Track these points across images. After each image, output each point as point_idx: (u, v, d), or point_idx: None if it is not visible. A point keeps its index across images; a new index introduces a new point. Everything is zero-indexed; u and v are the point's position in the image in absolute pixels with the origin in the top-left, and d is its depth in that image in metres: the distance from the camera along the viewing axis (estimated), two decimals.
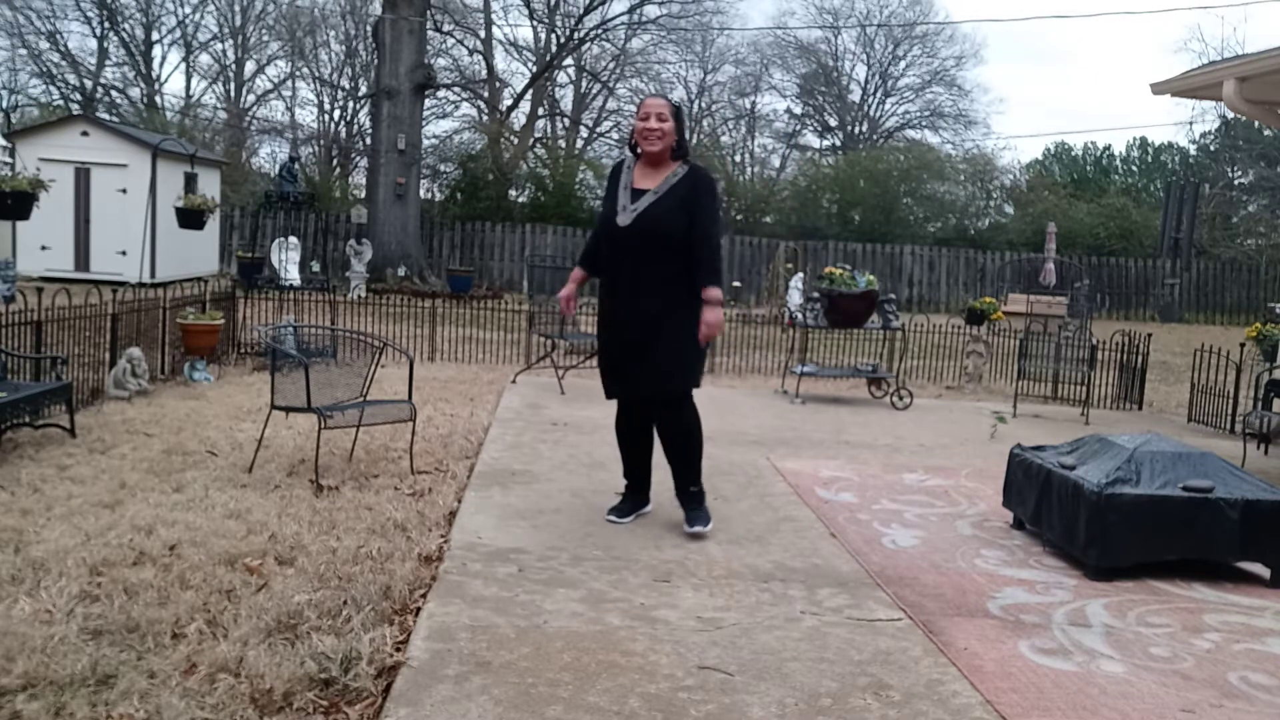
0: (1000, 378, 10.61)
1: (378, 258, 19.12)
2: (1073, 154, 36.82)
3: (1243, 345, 8.74)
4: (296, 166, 20.47)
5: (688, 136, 4.80)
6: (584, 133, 32.84)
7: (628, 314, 4.57)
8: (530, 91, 29.47)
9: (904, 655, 3.34)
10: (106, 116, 25.55)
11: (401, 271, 19.66)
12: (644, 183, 4.61)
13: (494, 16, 30.14)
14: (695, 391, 4.72)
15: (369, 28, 25.21)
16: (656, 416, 4.70)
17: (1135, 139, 36.29)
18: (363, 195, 24.69)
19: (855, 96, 36.18)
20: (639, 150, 4.63)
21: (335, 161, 31.97)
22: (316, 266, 18.29)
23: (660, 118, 4.53)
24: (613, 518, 4.76)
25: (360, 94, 30.50)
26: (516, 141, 28.53)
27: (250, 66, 32.74)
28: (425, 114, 24.69)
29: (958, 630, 3.58)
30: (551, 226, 23.37)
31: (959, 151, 32.36)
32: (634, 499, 4.88)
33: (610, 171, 4.86)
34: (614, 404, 4.88)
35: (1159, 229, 23.40)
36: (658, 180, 4.59)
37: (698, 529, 4.58)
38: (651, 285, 4.51)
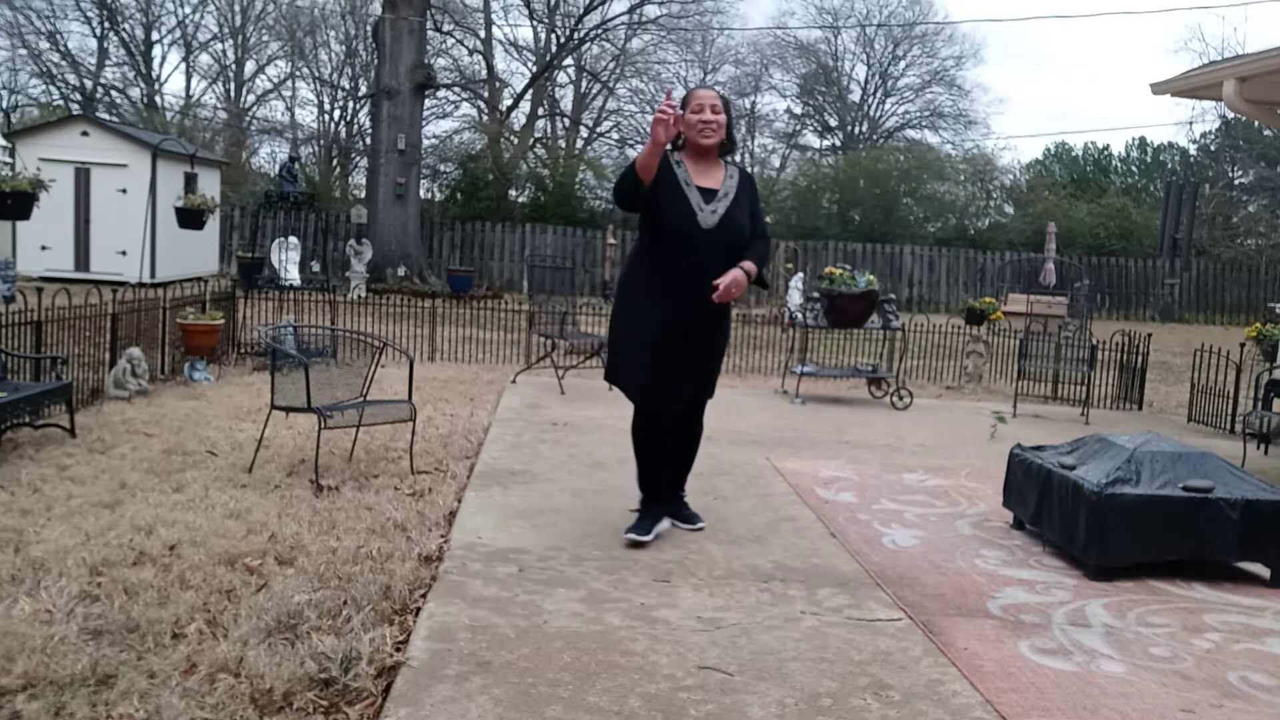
0: (1000, 378, 10.61)
1: (378, 258, 19.12)
2: (1073, 154, 36.82)
3: (1243, 345, 8.73)
4: (296, 166, 20.44)
5: (735, 130, 4.54)
6: (584, 133, 32.86)
7: (699, 317, 4.30)
8: (530, 91, 29.48)
9: (904, 655, 3.34)
10: (106, 116, 25.55)
11: (401, 271, 19.66)
12: (705, 181, 4.35)
13: (494, 16, 30.18)
14: None
15: (369, 28, 25.22)
16: (683, 423, 4.58)
17: (1135, 139, 36.33)
18: (363, 195, 24.69)
19: (855, 96, 36.19)
20: (682, 144, 4.40)
21: (335, 161, 31.97)
22: (316, 266, 18.27)
23: (715, 110, 4.34)
24: (635, 536, 4.36)
25: (360, 94, 30.51)
26: (516, 141, 28.54)
27: (250, 66, 32.80)
28: (425, 114, 24.70)
29: (958, 630, 3.58)
30: (551, 226, 23.38)
31: (959, 151, 32.39)
32: (656, 513, 4.56)
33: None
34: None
35: (1159, 229, 23.40)
36: (717, 180, 4.37)
37: (701, 524, 4.66)
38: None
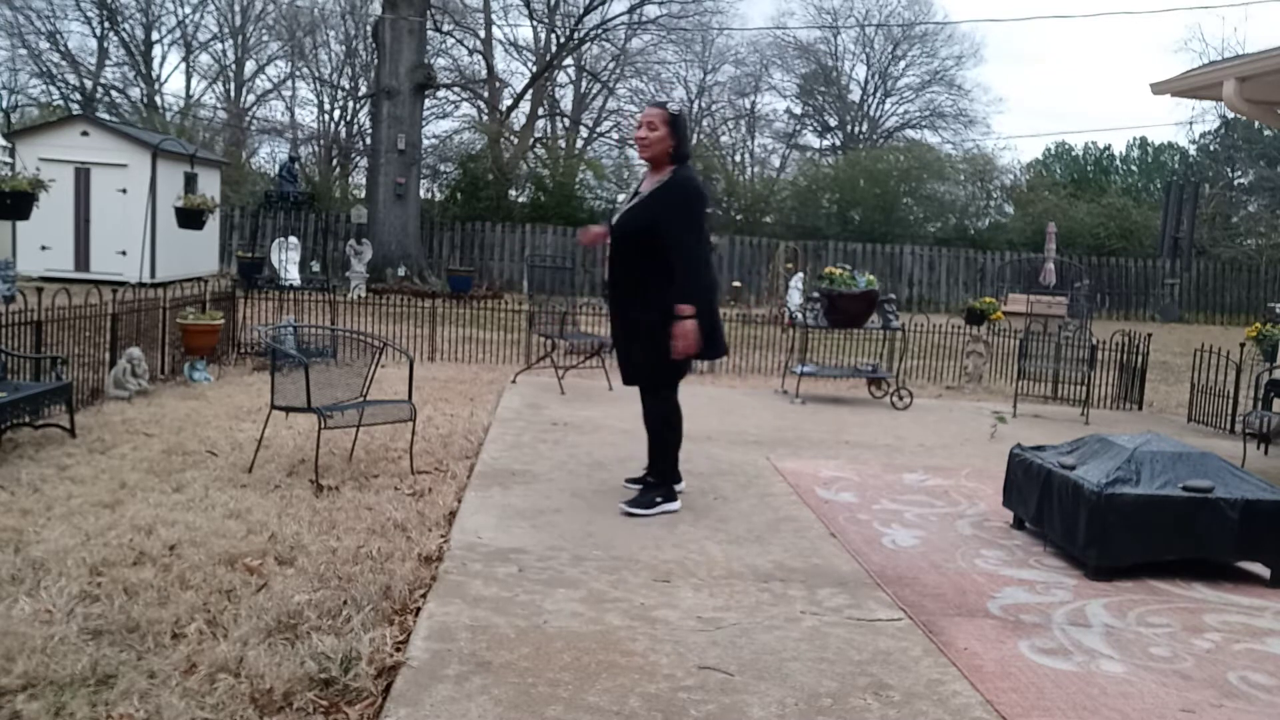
0: (1000, 378, 10.61)
1: (378, 258, 19.12)
2: (1073, 154, 36.84)
3: (1243, 345, 8.73)
4: (296, 166, 20.45)
5: (688, 141, 4.94)
6: (584, 133, 32.84)
7: (612, 309, 5.02)
8: (530, 91, 29.47)
9: (904, 655, 3.34)
10: (106, 116, 25.53)
11: (401, 271, 19.66)
12: (645, 187, 4.90)
13: (494, 16, 30.16)
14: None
15: (369, 28, 25.21)
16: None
17: (1135, 139, 36.34)
18: (363, 195, 24.69)
19: (855, 96, 36.19)
20: None
21: (335, 161, 31.96)
22: (316, 266, 18.28)
23: (650, 126, 4.77)
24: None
25: (360, 94, 30.50)
26: (516, 141, 28.53)
27: (250, 66, 32.79)
28: (425, 114, 24.69)
29: (958, 630, 3.58)
30: (551, 226, 23.38)
31: (959, 151, 32.36)
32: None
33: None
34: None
35: (1159, 229, 23.39)
36: (650, 185, 4.86)
37: (627, 508, 4.83)
38: (624, 285, 4.88)
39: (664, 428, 4.92)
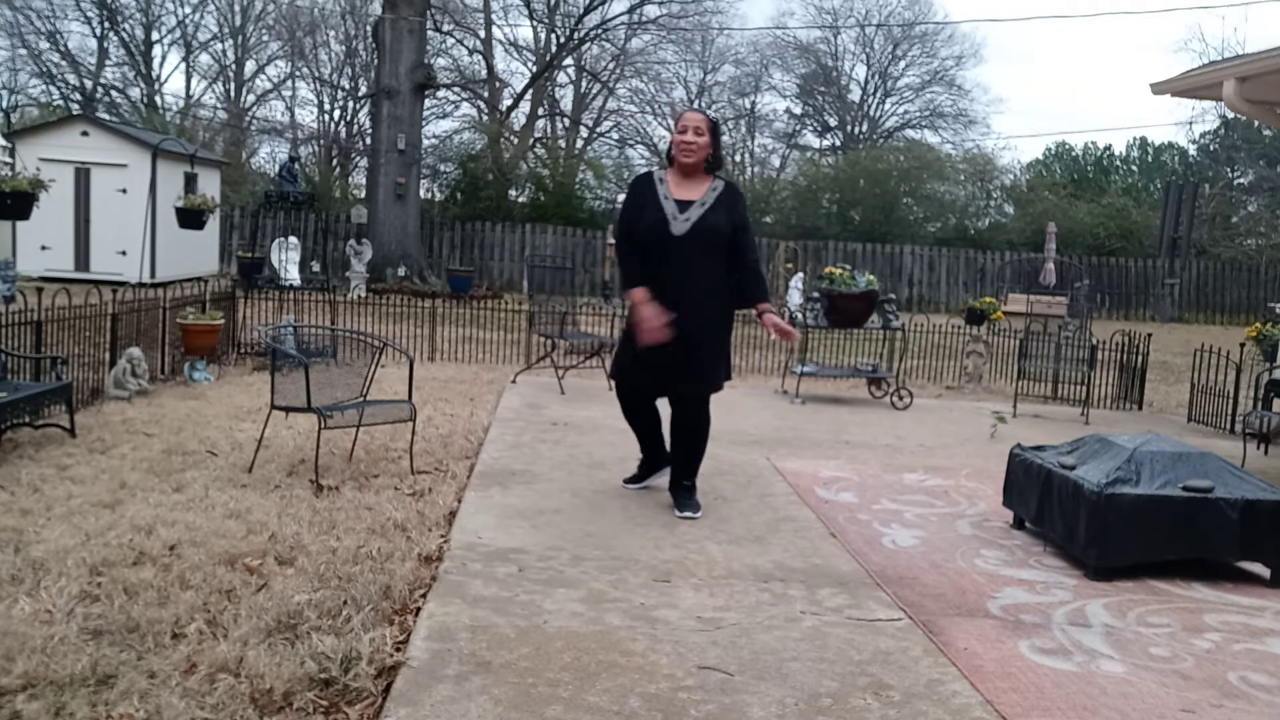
0: (1000, 378, 10.61)
1: (378, 258, 19.12)
2: (1073, 154, 36.85)
3: (1243, 345, 8.73)
4: (296, 166, 20.43)
5: (722, 150, 5.02)
6: (584, 133, 32.85)
7: (681, 317, 4.66)
8: (530, 91, 29.48)
9: (904, 655, 3.34)
10: (106, 116, 25.52)
11: (401, 271, 19.65)
12: (684, 194, 4.79)
13: (494, 16, 30.19)
14: None
15: (369, 28, 25.21)
16: (678, 410, 4.94)
17: (1135, 139, 36.36)
18: (363, 195, 24.69)
19: (855, 96, 36.19)
20: (673, 161, 4.84)
21: (335, 161, 31.95)
22: (316, 266, 18.26)
23: (697, 131, 4.77)
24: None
25: (360, 94, 30.50)
26: (516, 141, 28.53)
27: (250, 66, 32.80)
28: (425, 114, 24.69)
29: (958, 630, 3.58)
30: (551, 226, 23.37)
31: (959, 151, 32.34)
32: (648, 467, 5.29)
33: (635, 181, 5.05)
34: (613, 404, 4.98)
35: (1159, 229, 23.40)
36: (698, 192, 4.79)
37: (687, 514, 4.84)
38: (704, 290, 4.75)
39: (707, 428, 4.97)
